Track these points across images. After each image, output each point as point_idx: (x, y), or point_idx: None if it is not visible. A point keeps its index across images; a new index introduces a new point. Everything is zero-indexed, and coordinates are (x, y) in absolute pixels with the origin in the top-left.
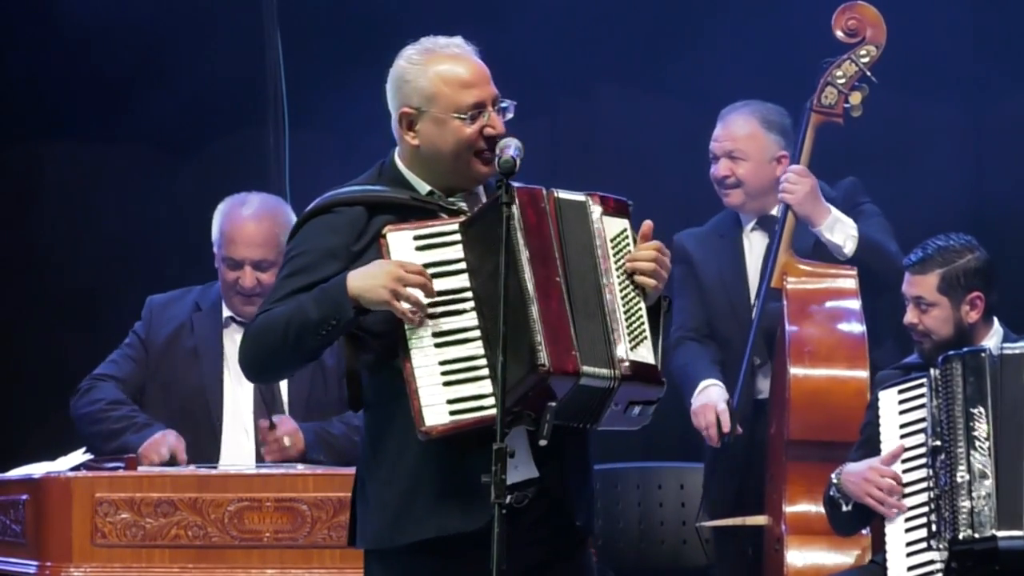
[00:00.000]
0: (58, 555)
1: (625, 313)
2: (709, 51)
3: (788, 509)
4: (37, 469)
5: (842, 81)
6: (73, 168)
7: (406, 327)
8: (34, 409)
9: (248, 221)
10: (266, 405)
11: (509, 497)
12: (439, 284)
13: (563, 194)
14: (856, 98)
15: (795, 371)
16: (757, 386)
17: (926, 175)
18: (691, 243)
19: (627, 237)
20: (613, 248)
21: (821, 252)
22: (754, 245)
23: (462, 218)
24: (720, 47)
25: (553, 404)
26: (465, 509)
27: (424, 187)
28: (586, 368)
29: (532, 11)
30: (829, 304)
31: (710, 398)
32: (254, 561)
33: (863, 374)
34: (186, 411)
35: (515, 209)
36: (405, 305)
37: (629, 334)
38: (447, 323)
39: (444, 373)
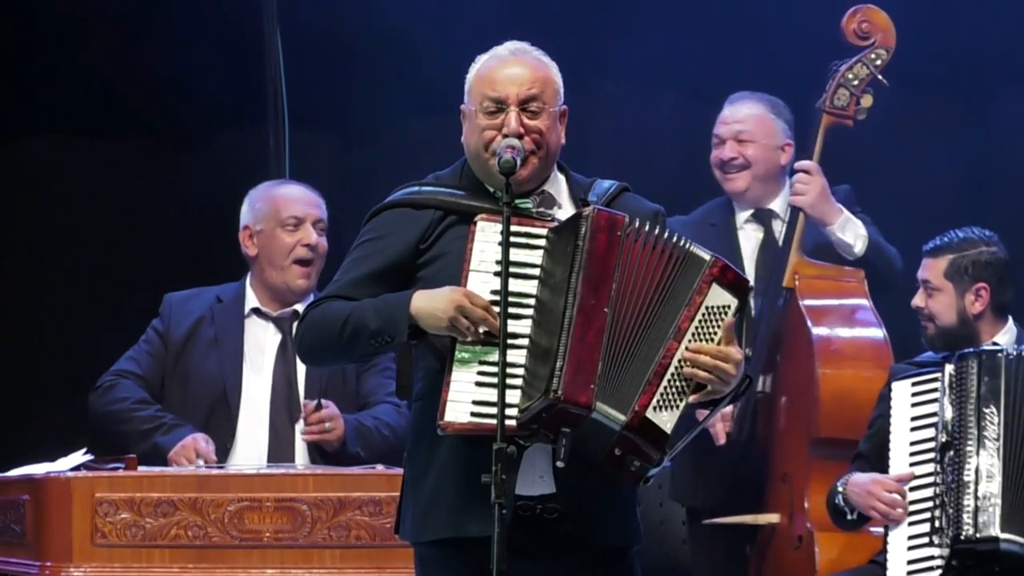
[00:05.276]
0: (58, 555)
1: (672, 376)
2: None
3: (813, 507)
4: (37, 469)
5: (855, 83)
6: (74, 165)
7: None
8: (36, 409)
9: (296, 186)
10: (283, 397)
11: (539, 507)
12: (508, 284)
13: (692, 247)
14: (867, 101)
15: (824, 370)
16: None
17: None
18: (680, 231)
19: (725, 313)
20: (703, 316)
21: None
22: (749, 238)
23: (552, 224)
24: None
25: (568, 431)
26: (485, 513)
27: (488, 189)
28: (600, 404)
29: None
30: (846, 303)
31: None
32: (254, 561)
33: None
34: (204, 401)
35: (585, 228)
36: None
37: (663, 395)
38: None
39: (480, 373)
